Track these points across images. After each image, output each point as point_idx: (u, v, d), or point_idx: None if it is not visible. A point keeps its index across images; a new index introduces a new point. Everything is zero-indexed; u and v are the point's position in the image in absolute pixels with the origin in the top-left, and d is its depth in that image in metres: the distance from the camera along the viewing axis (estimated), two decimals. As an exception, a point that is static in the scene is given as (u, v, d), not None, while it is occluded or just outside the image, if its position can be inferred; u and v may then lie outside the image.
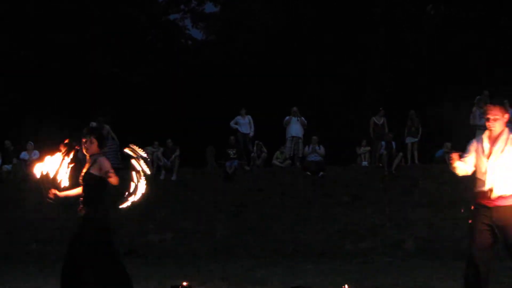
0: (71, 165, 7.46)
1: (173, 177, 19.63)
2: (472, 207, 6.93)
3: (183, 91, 29.79)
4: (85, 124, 21.64)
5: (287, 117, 21.08)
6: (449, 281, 10.46)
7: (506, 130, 6.89)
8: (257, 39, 31.08)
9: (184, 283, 10.08)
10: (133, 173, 7.29)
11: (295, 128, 20.91)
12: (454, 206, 16.12)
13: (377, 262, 14.26)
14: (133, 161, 7.27)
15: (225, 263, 14.42)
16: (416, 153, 20.75)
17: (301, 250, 16.27)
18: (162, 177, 19.65)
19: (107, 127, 20.83)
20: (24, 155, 20.48)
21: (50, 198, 7.45)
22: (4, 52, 27.54)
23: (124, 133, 23.68)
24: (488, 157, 6.80)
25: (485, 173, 6.79)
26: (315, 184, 19.04)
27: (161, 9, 33.37)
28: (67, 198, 7.64)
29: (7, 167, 20.28)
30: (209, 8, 37.88)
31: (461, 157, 7.02)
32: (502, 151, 6.77)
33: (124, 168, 8.57)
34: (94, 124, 21.54)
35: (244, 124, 21.34)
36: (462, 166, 7.01)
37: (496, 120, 6.81)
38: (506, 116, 6.92)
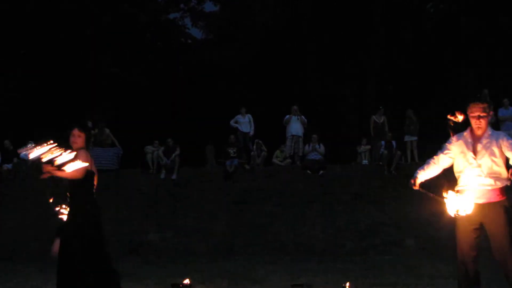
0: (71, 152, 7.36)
1: (174, 176, 19.61)
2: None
3: (183, 90, 29.78)
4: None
5: (287, 116, 21.07)
6: (451, 279, 10.44)
7: (489, 127, 6.93)
8: (257, 37, 31.07)
9: (185, 282, 10.11)
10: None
11: (295, 126, 20.90)
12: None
13: (377, 261, 14.25)
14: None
15: (225, 262, 14.43)
16: (416, 151, 20.75)
17: (302, 248, 16.29)
18: (162, 176, 19.64)
19: (107, 131, 20.86)
20: (24, 154, 20.47)
21: (46, 172, 7.34)
22: (4, 51, 27.53)
23: (125, 132, 23.72)
24: (475, 154, 6.81)
25: (471, 171, 6.79)
26: (315, 183, 19.02)
27: (161, 8, 33.34)
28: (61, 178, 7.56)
29: (7, 166, 20.27)
30: (209, 7, 37.89)
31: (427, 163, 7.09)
32: (488, 148, 6.79)
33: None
34: (90, 123, 21.56)
35: (244, 123, 21.33)
36: (431, 172, 7.07)
37: (484, 118, 6.83)
38: (491, 113, 6.97)
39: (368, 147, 21.55)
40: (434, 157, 7.12)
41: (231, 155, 19.97)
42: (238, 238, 17.10)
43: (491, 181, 6.75)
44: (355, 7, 29.83)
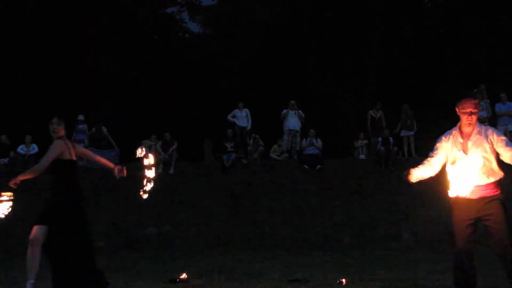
0: None
1: (171, 171, 19.61)
2: (451, 201, 6.91)
3: (180, 85, 29.75)
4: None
5: (285, 110, 21.07)
6: (448, 273, 10.44)
7: (477, 123, 6.90)
8: (255, 32, 31.03)
9: (182, 276, 10.10)
10: None
11: (293, 121, 20.90)
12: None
13: (375, 255, 14.25)
14: None
15: (222, 256, 14.43)
16: (413, 146, 20.75)
17: (299, 243, 16.29)
18: (160, 170, 19.61)
19: (104, 129, 20.83)
20: (21, 148, 20.47)
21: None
22: (4, 49, 27.48)
23: (122, 126, 23.71)
24: (466, 151, 6.78)
25: (464, 167, 6.76)
26: (313, 177, 19.02)
27: (158, 2, 33.26)
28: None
29: (4, 160, 20.26)
30: (207, 1, 37.82)
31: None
32: (479, 145, 6.76)
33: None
34: (82, 117, 21.54)
35: (242, 117, 21.32)
36: (425, 172, 7.04)
37: (475, 115, 6.81)
38: (480, 109, 6.95)
39: (366, 141, 21.56)
40: (428, 158, 7.09)
41: (229, 149, 19.97)
42: (235, 233, 17.10)
43: (484, 177, 6.74)
44: (355, 4, 29.80)
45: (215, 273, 11.07)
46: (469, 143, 6.79)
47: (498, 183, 6.81)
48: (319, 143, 20.07)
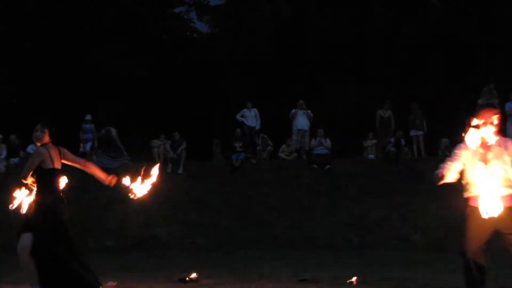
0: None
1: (180, 170, 19.61)
2: (468, 209, 6.80)
3: (189, 84, 29.76)
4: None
5: (293, 110, 21.05)
6: (458, 273, 10.40)
7: (498, 134, 6.73)
8: (263, 32, 31.00)
9: (191, 276, 10.11)
10: None
11: (301, 121, 20.87)
12: (461, 198, 16.05)
13: (384, 255, 14.23)
14: None
15: (231, 256, 14.44)
16: (422, 146, 20.71)
17: (308, 243, 16.27)
18: (168, 170, 19.63)
19: (113, 132, 20.76)
20: (31, 148, 20.49)
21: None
22: (10, 45, 27.55)
23: (131, 125, 23.74)
24: (486, 163, 6.61)
25: (483, 180, 6.60)
26: (322, 177, 19.00)
27: (166, 2, 33.30)
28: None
29: (14, 160, 20.31)
30: (214, 1, 37.83)
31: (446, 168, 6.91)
32: (499, 157, 6.60)
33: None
34: (89, 116, 21.56)
35: (250, 117, 21.29)
36: (450, 176, 6.91)
37: (497, 125, 6.66)
38: (497, 117, 6.76)
39: (374, 141, 21.52)
40: (448, 162, 6.92)
41: (237, 149, 19.97)
42: (244, 232, 17.10)
43: (503, 188, 6.56)
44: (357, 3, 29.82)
45: (225, 273, 11.08)
46: (489, 154, 6.62)
47: None
48: (328, 142, 20.05)
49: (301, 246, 16.04)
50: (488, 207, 6.48)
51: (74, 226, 16.78)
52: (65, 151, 7.84)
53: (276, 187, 18.68)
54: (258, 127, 21.30)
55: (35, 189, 7.58)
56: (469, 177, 6.76)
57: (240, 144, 20.11)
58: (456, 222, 16.02)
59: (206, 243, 16.61)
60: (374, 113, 21.61)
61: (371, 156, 21.43)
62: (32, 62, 27.80)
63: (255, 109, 21.42)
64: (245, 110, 21.40)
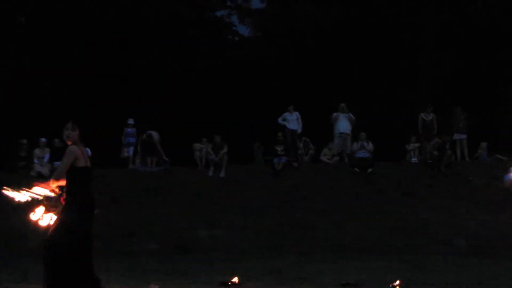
0: None
1: (222, 174, 19.68)
2: None
3: (230, 87, 29.85)
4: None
5: (335, 114, 20.99)
6: (503, 279, 10.30)
7: None
8: (305, 34, 30.95)
9: (233, 280, 10.14)
10: None
11: (343, 124, 20.81)
12: (506, 202, 15.89)
13: (427, 260, 14.10)
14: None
15: (274, 259, 14.43)
16: (466, 150, 20.51)
17: (350, 246, 16.19)
18: (210, 173, 19.73)
19: (155, 136, 20.91)
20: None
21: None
22: (58, 49, 27.93)
23: (173, 129, 23.88)
24: None
25: None
26: (364, 181, 18.94)
27: (209, 6, 33.49)
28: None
29: (57, 163, 20.57)
30: (256, 4, 37.93)
31: None
32: None
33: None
34: (131, 120, 21.78)
35: (292, 120, 21.25)
36: None
37: None
38: None
39: (417, 145, 21.35)
40: None
41: (279, 152, 19.98)
42: (286, 236, 17.07)
43: None
44: (407, 4, 29.53)
45: (267, 277, 11.10)
46: None
47: None
48: (370, 146, 19.97)
49: (344, 249, 15.97)
50: None
51: (119, 229, 17.03)
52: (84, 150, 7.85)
53: (318, 191, 18.65)
54: (300, 130, 21.26)
55: (67, 189, 7.50)
56: None
57: (282, 148, 20.12)
58: (502, 226, 15.92)
59: (248, 247, 16.62)
60: (417, 116, 21.45)
61: (414, 159, 21.27)
62: (75, 66, 28.11)
63: (297, 112, 21.39)
64: (287, 113, 21.39)
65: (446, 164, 18.88)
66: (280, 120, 21.37)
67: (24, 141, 21.20)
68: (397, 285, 9.49)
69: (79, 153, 7.56)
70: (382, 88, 28.42)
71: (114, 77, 28.37)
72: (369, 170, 19.27)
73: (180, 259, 14.89)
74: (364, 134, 20.13)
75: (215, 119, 26.85)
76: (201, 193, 18.96)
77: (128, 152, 21.52)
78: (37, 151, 20.96)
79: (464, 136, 20.54)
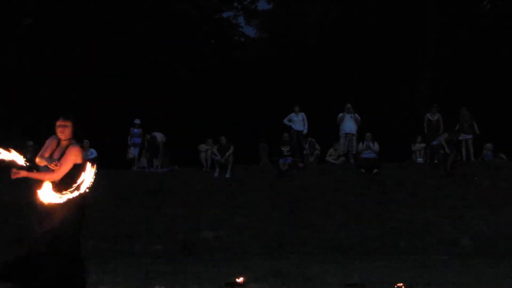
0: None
1: (227, 175, 19.68)
2: None
3: (236, 88, 29.87)
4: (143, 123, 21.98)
5: (341, 114, 20.97)
6: (508, 279, 10.27)
7: None
8: (311, 35, 30.96)
9: (238, 280, 10.12)
10: None
11: (349, 124, 20.79)
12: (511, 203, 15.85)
13: (433, 260, 14.08)
14: None
15: (279, 260, 14.41)
16: (471, 150, 20.47)
17: (355, 247, 16.19)
18: (216, 174, 19.73)
19: (159, 138, 20.94)
20: (91, 152, 20.63)
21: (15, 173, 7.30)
22: (58, 49, 27.97)
23: (178, 129, 23.88)
24: None
25: None
26: (369, 181, 18.91)
27: (214, 7, 33.53)
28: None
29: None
30: (262, 5, 37.99)
31: None
32: None
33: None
34: (138, 121, 21.78)
35: (298, 121, 21.21)
36: None
37: None
38: None
39: (423, 145, 21.32)
40: None
41: (285, 153, 19.97)
42: (291, 236, 17.07)
43: None
44: (409, 3, 29.49)
45: (272, 277, 11.08)
46: None
47: None
48: (375, 146, 19.95)
49: (349, 250, 15.96)
50: None
51: (124, 230, 17.02)
52: None
53: (323, 191, 18.64)
54: (305, 131, 21.23)
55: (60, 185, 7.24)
56: None
57: (288, 148, 20.11)
58: (508, 226, 15.87)
59: (253, 247, 16.62)
60: (423, 116, 21.44)
61: (420, 160, 21.23)
62: (82, 68, 28.15)
63: (303, 113, 21.35)
64: (292, 114, 21.36)
65: (451, 164, 18.83)
66: (285, 121, 21.34)
67: (31, 142, 21.20)
68: (402, 285, 9.45)
69: (80, 151, 7.46)
70: (387, 88, 28.40)
71: (118, 77, 28.38)
72: (375, 170, 19.25)
73: (185, 260, 14.90)
74: (369, 135, 20.12)
75: (220, 120, 26.87)
76: (206, 194, 18.97)
77: (134, 153, 21.53)
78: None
79: (469, 137, 20.50)
